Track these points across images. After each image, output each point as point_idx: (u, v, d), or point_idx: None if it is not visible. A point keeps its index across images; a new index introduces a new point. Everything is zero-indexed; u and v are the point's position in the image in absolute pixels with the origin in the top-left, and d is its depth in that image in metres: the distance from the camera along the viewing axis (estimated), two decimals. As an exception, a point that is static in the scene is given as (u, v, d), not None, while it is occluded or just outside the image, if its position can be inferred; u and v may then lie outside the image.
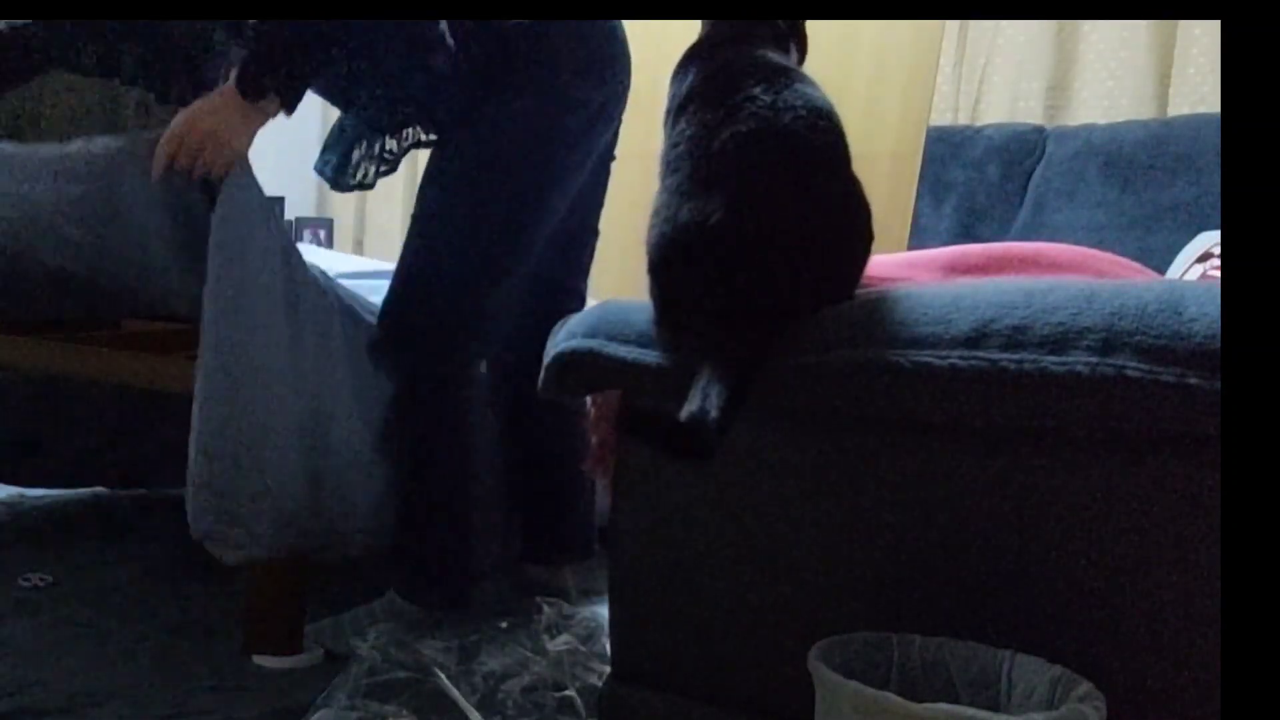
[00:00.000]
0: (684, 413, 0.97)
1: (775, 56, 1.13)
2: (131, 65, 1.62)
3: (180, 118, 1.39)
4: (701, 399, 0.97)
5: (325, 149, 1.70)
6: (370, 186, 1.67)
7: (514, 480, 1.77)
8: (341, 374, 1.54)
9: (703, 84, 1.12)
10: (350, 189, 1.65)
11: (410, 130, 1.66)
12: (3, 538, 1.83)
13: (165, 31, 1.59)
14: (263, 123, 1.40)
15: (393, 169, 1.65)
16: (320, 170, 1.70)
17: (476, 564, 1.63)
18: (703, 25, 1.22)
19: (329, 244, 3.44)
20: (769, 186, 1.03)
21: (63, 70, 1.64)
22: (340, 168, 1.68)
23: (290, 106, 1.41)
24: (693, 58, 1.17)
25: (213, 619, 1.64)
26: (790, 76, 1.09)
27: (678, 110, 1.13)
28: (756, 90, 1.06)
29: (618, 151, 1.71)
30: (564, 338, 1.19)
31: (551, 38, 1.49)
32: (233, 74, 1.41)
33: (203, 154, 1.37)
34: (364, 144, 1.66)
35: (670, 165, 1.10)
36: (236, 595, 1.55)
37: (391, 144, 1.66)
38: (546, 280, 1.67)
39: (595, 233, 1.75)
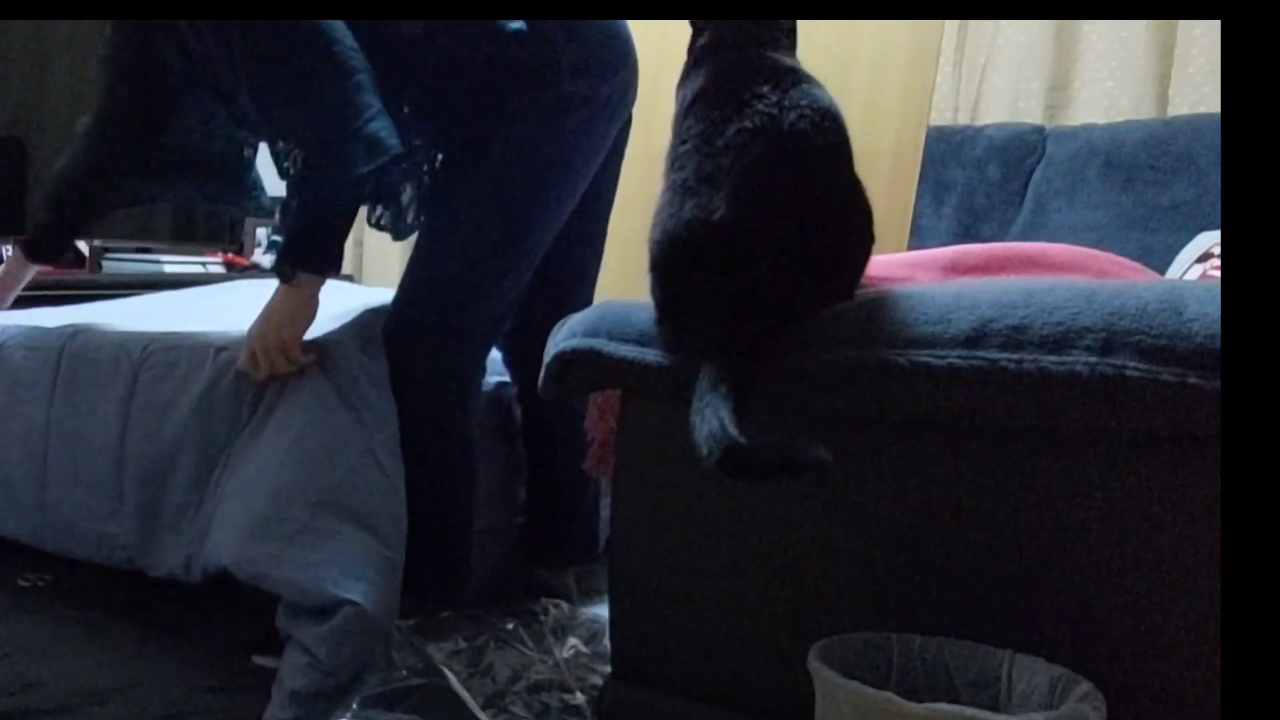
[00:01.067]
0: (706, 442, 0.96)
1: (785, 58, 1.13)
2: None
3: (248, 340, 1.48)
4: (716, 417, 0.97)
5: (374, 201, 1.70)
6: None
7: (518, 481, 1.78)
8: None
9: (712, 82, 1.11)
10: (409, 234, 1.65)
11: (438, 155, 1.66)
12: (2, 537, 1.83)
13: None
14: (313, 296, 1.48)
15: None
16: (377, 223, 1.69)
17: (473, 563, 1.63)
18: (703, 29, 1.21)
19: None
20: (772, 184, 1.03)
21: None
22: (396, 216, 1.68)
23: (333, 270, 1.50)
24: (702, 59, 1.16)
25: (213, 619, 1.64)
26: (799, 78, 1.09)
27: (686, 109, 1.13)
28: (765, 89, 1.06)
29: (619, 152, 1.71)
30: (564, 337, 1.19)
31: (547, 38, 1.49)
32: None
33: (278, 361, 1.46)
34: (406, 188, 1.67)
35: (676, 161, 1.10)
36: (237, 595, 1.55)
37: (428, 179, 1.66)
38: (554, 281, 1.67)
39: (604, 234, 1.75)
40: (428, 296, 1.54)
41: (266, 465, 1.45)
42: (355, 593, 1.32)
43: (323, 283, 1.48)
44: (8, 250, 2.56)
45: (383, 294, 1.65)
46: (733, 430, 0.94)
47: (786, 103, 1.06)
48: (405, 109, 1.57)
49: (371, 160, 1.43)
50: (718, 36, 1.19)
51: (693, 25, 1.21)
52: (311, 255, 1.47)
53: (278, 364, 1.46)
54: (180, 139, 1.74)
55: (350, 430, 1.45)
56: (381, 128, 1.43)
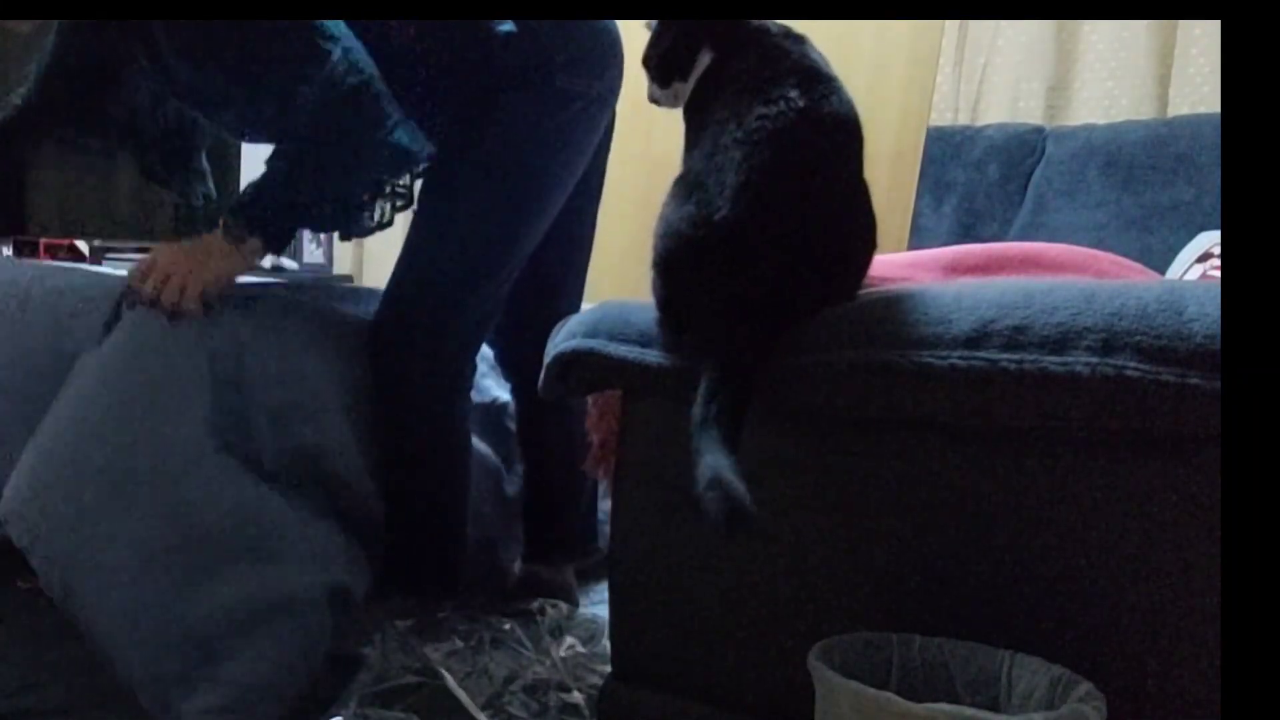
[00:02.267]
0: (713, 488, 0.94)
1: (820, 61, 1.12)
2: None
3: (156, 251, 1.39)
4: (714, 463, 0.95)
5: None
6: (389, 225, 1.59)
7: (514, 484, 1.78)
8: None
9: (746, 71, 1.09)
10: (370, 232, 1.63)
11: None
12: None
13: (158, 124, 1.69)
14: (246, 264, 1.41)
15: (409, 203, 1.59)
16: None
17: (468, 555, 1.64)
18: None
19: (329, 245, 3.44)
20: (776, 188, 1.03)
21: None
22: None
23: (276, 250, 1.44)
24: (738, 44, 1.13)
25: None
26: (830, 87, 1.08)
27: (715, 91, 1.11)
28: (793, 93, 1.05)
29: (618, 153, 1.71)
30: (564, 338, 1.19)
31: (540, 37, 1.49)
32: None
33: (166, 288, 1.36)
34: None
35: (696, 145, 1.08)
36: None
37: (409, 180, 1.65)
38: (544, 276, 1.67)
39: (593, 228, 1.75)
40: (420, 295, 1.54)
41: (69, 416, 1.29)
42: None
43: (262, 254, 1.42)
44: (7, 250, 2.57)
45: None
46: (728, 473, 0.93)
47: (809, 109, 1.05)
48: None
49: (396, 168, 1.41)
50: (741, 27, 1.16)
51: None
52: (276, 229, 1.41)
53: (167, 295, 1.35)
54: (126, 106, 1.67)
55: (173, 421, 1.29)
56: (404, 135, 1.40)
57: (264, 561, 1.30)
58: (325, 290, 1.68)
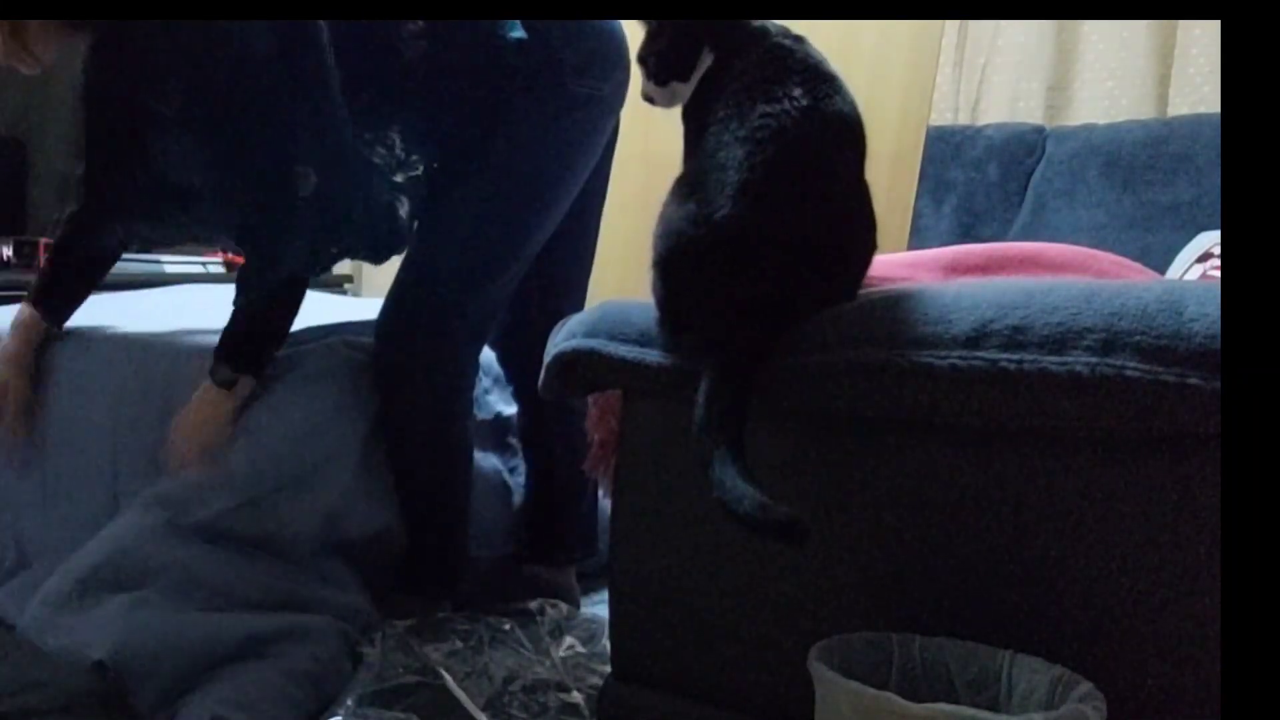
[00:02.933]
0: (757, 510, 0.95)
1: (824, 61, 1.12)
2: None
3: (171, 433, 1.50)
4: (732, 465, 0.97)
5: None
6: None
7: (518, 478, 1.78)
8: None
9: (753, 68, 1.09)
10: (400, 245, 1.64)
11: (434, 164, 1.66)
12: None
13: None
14: (239, 400, 1.50)
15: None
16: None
17: (469, 556, 1.64)
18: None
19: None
20: (778, 187, 1.03)
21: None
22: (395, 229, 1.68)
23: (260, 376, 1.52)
24: (744, 42, 1.13)
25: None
26: (834, 87, 1.08)
27: (718, 91, 1.10)
28: (797, 91, 1.05)
29: (618, 152, 1.71)
30: (564, 337, 1.19)
31: (550, 40, 1.49)
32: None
33: (189, 466, 1.49)
34: (404, 201, 1.66)
35: (701, 144, 1.08)
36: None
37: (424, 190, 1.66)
38: (548, 278, 1.67)
39: (597, 229, 1.76)
40: (423, 295, 1.54)
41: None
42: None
43: (251, 387, 1.50)
44: (7, 250, 2.57)
45: (358, 305, 1.64)
46: (758, 492, 0.94)
47: (812, 108, 1.05)
48: (394, 135, 1.57)
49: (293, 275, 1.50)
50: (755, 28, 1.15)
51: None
52: (255, 359, 1.49)
53: (189, 465, 1.48)
54: (170, 171, 1.66)
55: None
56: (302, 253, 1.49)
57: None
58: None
